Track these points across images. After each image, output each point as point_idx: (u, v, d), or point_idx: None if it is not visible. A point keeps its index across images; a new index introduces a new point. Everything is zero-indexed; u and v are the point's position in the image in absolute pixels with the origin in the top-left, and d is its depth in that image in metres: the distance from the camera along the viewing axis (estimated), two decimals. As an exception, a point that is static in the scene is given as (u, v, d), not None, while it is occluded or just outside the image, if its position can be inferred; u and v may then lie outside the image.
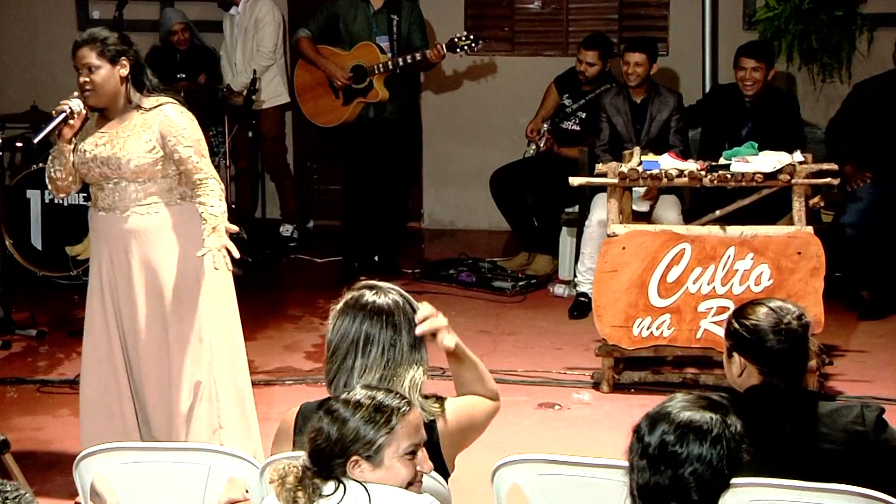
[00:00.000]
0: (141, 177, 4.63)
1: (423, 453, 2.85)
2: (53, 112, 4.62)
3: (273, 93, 8.85)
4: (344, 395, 2.86)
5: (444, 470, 3.16)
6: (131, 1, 7.17)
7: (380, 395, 2.82)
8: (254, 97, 8.37)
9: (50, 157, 4.76)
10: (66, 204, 8.00)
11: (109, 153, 4.62)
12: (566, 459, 3.22)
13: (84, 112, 4.66)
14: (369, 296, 3.24)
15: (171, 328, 4.68)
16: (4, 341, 6.86)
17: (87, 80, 4.60)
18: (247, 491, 3.47)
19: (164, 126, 4.64)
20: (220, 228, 4.50)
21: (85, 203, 7.93)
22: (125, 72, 4.67)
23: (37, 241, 8.08)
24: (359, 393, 2.84)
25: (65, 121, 4.61)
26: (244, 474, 3.30)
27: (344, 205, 8.36)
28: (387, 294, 3.25)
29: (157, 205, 4.67)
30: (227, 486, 3.40)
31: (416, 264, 8.50)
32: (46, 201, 8.04)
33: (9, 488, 2.19)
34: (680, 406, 2.66)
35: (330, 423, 2.77)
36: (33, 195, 8.05)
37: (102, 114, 4.72)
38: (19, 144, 7.75)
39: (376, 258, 8.31)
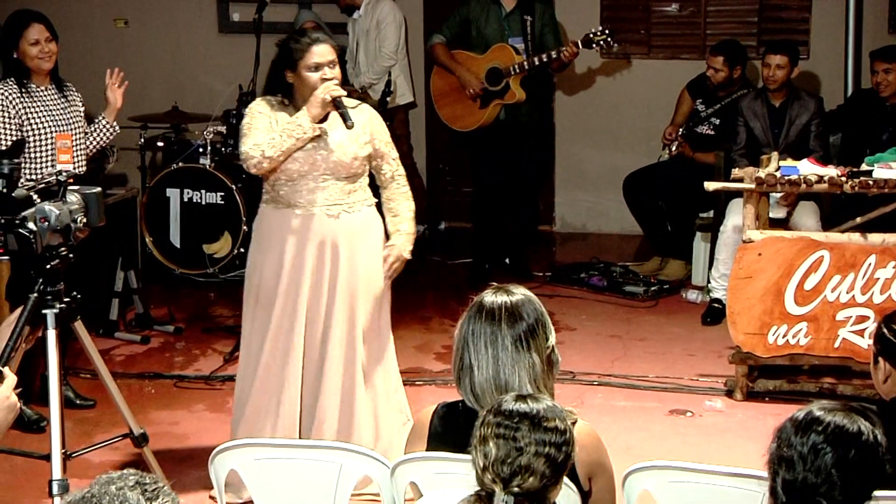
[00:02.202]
0: (347, 172, 4.72)
1: None
2: (335, 97, 4.60)
3: (398, 93, 8.92)
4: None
5: (575, 479, 3.12)
6: (270, 3, 7.28)
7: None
8: (388, 98, 8.42)
9: (281, 136, 4.60)
10: (204, 203, 8.15)
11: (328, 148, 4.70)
12: (698, 467, 3.18)
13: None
14: (489, 297, 3.25)
15: (361, 325, 4.78)
16: (143, 337, 7.02)
17: (333, 76, 4.65)
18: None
19: (372, 124, 4.79)
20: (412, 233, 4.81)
21: (221, 202, 8.10)
22: None
23: (175, 239, 8.24)
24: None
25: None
26: (375, 473, 3.32)
27: (475, 206, 8.37)
28: (509, 294, 3.24)
29: (358, 203, 4.77)
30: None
31: (547, 267, 8.48)
32: (185, 200, 8.19)
33: (148, 481, 2.23)
34: (829, 409, 2.64)
35: None
36: (172, 194, 8.20)
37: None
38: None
39: (507, 261, 8.31)
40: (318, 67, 4.61)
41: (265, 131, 4.62)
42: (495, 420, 2.73)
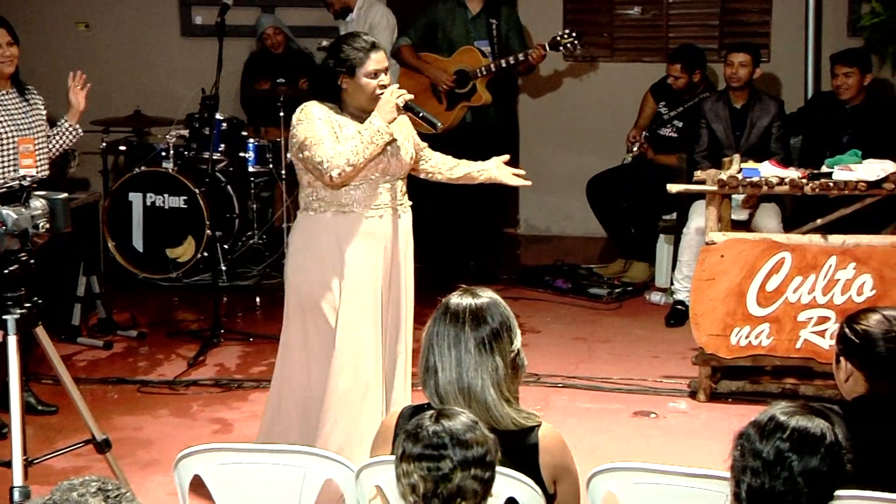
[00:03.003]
0: (405, 172, 4.73)
1: None
2: (406, 101, 4.53)
3: None
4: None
5: (539, 482, 3.13)
6: (233, 7, 7.26)
7: None
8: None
9: (363, 142, 4.43)
10: (167, 207, 8.12)
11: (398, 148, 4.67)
12: (663, 468, 3.18)
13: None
14: (455, 299, 3.26)
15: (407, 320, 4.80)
16: (106, 342, 6.98)
17: (388, 81, 4.60)
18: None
19: (405, 121, 4.77)
20: None
21: (184, 206, 8.07)
22: None
23: (138, 243, 8.22)
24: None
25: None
26: (340, 477, 3.31)
27: (440, 209, 8.36)
28: (475, 297, 3.25)
29: (407, 202, 4.77)
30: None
31: (512, 270, 8.49)
32: (148, 204, 8.17)
33: (110, 487, 2.22)
34: (790, 412, 2.66)
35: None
36: (135, 198, 8.18)
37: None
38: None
39: (472, 263, 8.31)
40: (376, 74, 4.55)
41: (333, 137, 4.49)
42: (415, 451, 2.73)
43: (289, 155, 4.69)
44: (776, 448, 2.61)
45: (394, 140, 4.59)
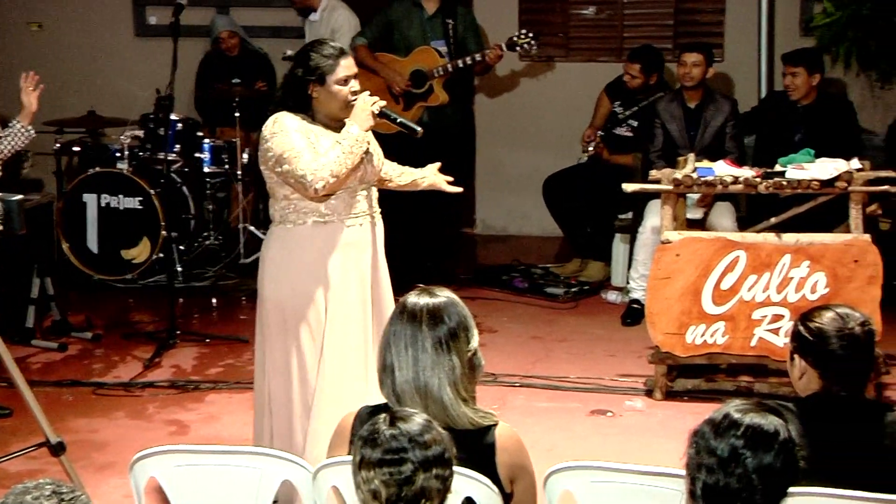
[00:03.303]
0: (376, 179, 4.67)
1: None
2: (381, 109, 4.45)
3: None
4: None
5: (497, 481, 3.13)
6: (188, 7, 7.22)
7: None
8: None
9: (344, 153, 4.33)
10: (121, 208, 8.07)
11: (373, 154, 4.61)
12: (619, 467, 3.20)
13: None
14: (412, 298, 3.27)
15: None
16: (60, 344, 6.92)
17: (358, 88, 4.49)
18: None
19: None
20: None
21: (139, 207, 8.02)
22: None
23: (93, 244, 8.16)
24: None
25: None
26: (297, 478, 3.31)
27: (397, 209, 8.34)
28: (432, 296, 3.26)
29: (378, 209, 4.69)
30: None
31: (469, 270, 8.50)
32: (102, 205, 8.12)
33: (65, 489, 2.21)
34: (744, 410, 2.68)
35: None
36: (90, 199, 8.12)
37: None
38: None
39: (429, 264, 8.31)
40: (346, 80, 4.44)
41: (311, 148, 4.35)
42: (375, 457, 2.72)
43: (263, 169, 4.52)
44: (731, 445, 2.63)
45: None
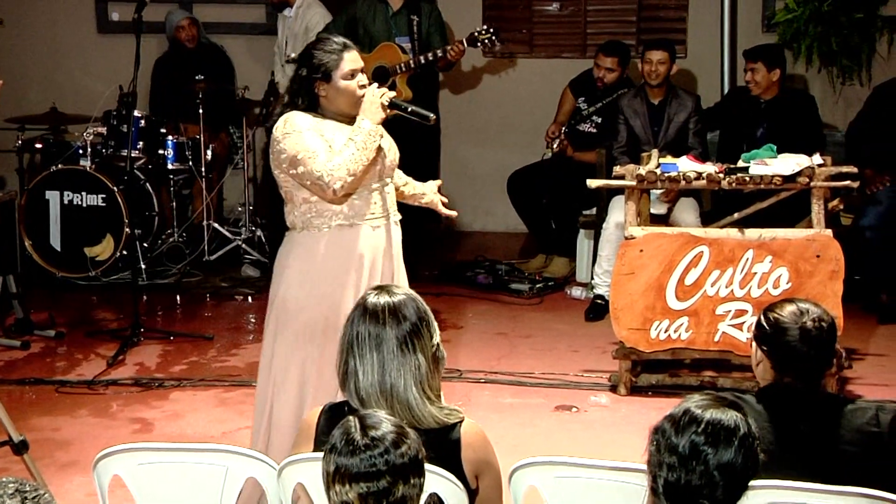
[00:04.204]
0: (393, 174, 4.52)
1: None
2: (391, 99, 4.31)
3: None
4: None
5: (462, 477, 3.14)
6: (150, 3, 7.18)
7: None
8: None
9: (359, 149, 4.18)
10: (84, 205, 8.03)
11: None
12: (584, 462, 3.21)
13: None
14: (371, 298, 3.25)
15: None
16: (23, 342, 6.88)
17: (366, 81, 4.35)
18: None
19: None
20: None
21: (103, 204, 7.98)
22: None
23: (56, 242, 8.11)
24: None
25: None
26: (262, 475, 3.30)
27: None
28: (391, 295, 3.25)
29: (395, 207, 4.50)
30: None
31: (433, 266, 8.50)
32: (65, 202, 8.07)
33: (28, 488, 2.20)
34: (703, 405, 2.70)
35: None
36: (52, 196, 8.08)
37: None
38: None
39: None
40: (353, 74, 4.29)
41: (326, 148, 4.18)
42: (351, 470, 2.66)
43: (277, 173, 4.35)
44: (691, 442, 2.64)
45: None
